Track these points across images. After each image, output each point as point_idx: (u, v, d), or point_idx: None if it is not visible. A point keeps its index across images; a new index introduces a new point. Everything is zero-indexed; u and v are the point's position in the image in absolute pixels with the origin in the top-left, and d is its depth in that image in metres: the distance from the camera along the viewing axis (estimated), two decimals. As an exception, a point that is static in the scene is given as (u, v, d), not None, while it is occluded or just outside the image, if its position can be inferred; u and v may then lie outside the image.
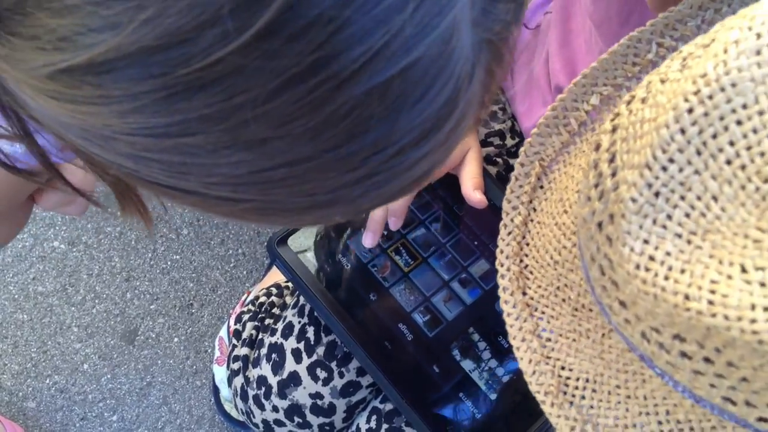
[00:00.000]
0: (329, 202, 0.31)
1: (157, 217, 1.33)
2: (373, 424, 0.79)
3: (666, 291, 0.34)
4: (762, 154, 0.32)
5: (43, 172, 0.40)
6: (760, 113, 0.32)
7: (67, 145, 0.31)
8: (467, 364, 0.75)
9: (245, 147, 0.27)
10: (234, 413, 1.20)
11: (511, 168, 0.89)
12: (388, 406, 0.79)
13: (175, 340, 1.27)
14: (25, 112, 0.30)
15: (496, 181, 0.83)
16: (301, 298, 0.82)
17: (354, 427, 0.81)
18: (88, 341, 1.25)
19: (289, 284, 0.97)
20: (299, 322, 0.80)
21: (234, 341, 0.89)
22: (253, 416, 0.83)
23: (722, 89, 0.33)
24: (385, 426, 0.78)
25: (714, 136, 0.33)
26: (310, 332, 0.79)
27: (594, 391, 0.42)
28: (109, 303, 1.27)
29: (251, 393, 0.82)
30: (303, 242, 0.78)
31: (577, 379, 0.42)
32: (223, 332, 1.21)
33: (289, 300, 0.86)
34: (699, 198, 0.34)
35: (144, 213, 0.40)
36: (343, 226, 0.80)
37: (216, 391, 1.22)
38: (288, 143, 0.27)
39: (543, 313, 0.45)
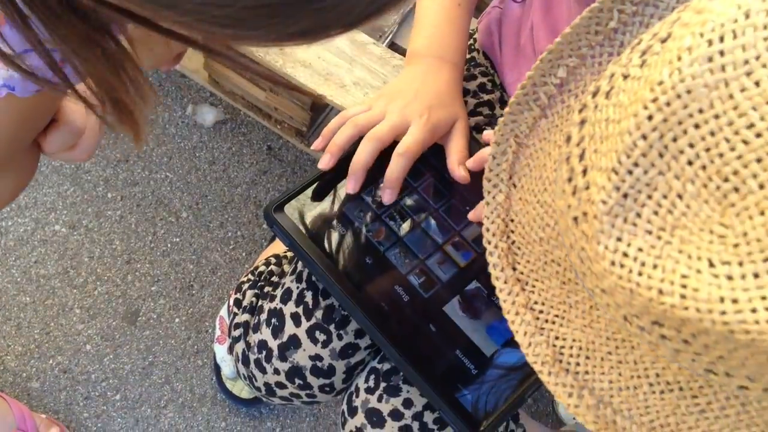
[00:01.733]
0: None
1: (157, 200, 1.35)
2: (371, 383, 0.81)
3: (640, 286, 0.36)
4: (720, 155, 0.35)
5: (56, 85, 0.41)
6: (716, 117, 0.34)
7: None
8: (463, 323, 0.77)
9: None
10: (235, 390, 1.23)
11: (501, 137, 0.91)
12: (386, 366, 0.81)
13: (176, 320, 1.30)
14: None
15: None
16: (299, 265, 0.84)
17: (353, 387, 0.83)
18: (91, 322, 1.27)
19: (287, 254, 0.99)
20: (297, 288, 0.82)
21: (234, 309, 0.92)
22: (255, 380, 0.85)
23: (678, 96, 0.35)
24: (383, 384, 0.80)
25: (674, 140, 0.35)
26: (308, 296, 0.81)
27: (587, 358, 0.44)
28: (110, 285, 1.29)
29: (252, 357, 0.84)
30: (299, 209, 0.80)
31: (571, 348, 0.45)
32: (223, 312, 1.23)
33: (287, 268, 0.88)
34: (665, 197, 0.36)
35: (136, 126, 0.42)
36: (338, 192, 0.82)
37: (217, 369, 1.24)
38: None
39: (533, 287, 0.47)
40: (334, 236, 0.80)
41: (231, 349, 0.89)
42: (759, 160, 0.33)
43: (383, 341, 0.75)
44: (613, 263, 0.37)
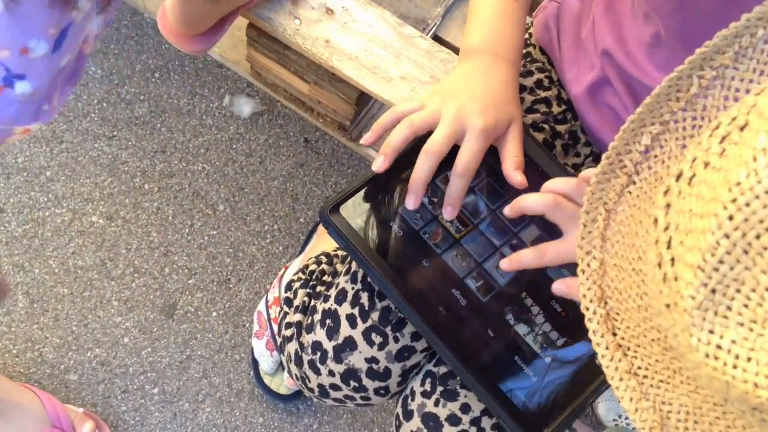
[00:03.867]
0: None
1: (194, 193, 1.34)
2: (427, 386, 0.79)
3: (736, 379, 0.37)
4: None
5: None
6: None
7: None
8: (521, 328, 0.76)
9: None
10: (273, 386, 1.22)
11: (557, 134, 0.89)
12: (442, 369, 0.80)
13: (214, 314, 1.29)
14: None
15: (543, 147, 0.84)
16: (353, 265, 0.83)
17: (408, 390, 0.82)
18: (128, 315, 1.26)
19: (338, 252, 0.98)
20: (352, 288, 0.81)
21: (285, 309, 0.90)
22: (309, 381, 0.83)
23: (757, 197, 0.36)
24: (439, 388, 0.79)
25: (757, 237, 0.37)
26: (364, 298, 0.80)
27: (696, 422, 0.44)
28: (148, 277, 1.28)
29: (306, 358, 0.82)
30: (355, 210, 0.79)
31: (678, 413, 0.45)
32: (261, 306, 1.22)
33: (339, 267, 0.87)
34: (753, 290, 0.37)
35: None
36: (394, 193, 0.80)
37: (255, 364, 1.23)
38: None
39: (636, 352, 0.47)
40: (390, 238, 0.78)
41: (282, 349, 0.87)
42: None
43: (440, 345, 0.74)
44: (707, 355, 0.39)
